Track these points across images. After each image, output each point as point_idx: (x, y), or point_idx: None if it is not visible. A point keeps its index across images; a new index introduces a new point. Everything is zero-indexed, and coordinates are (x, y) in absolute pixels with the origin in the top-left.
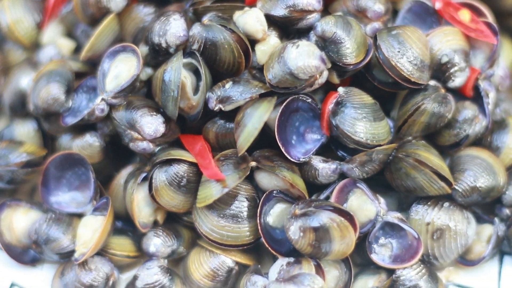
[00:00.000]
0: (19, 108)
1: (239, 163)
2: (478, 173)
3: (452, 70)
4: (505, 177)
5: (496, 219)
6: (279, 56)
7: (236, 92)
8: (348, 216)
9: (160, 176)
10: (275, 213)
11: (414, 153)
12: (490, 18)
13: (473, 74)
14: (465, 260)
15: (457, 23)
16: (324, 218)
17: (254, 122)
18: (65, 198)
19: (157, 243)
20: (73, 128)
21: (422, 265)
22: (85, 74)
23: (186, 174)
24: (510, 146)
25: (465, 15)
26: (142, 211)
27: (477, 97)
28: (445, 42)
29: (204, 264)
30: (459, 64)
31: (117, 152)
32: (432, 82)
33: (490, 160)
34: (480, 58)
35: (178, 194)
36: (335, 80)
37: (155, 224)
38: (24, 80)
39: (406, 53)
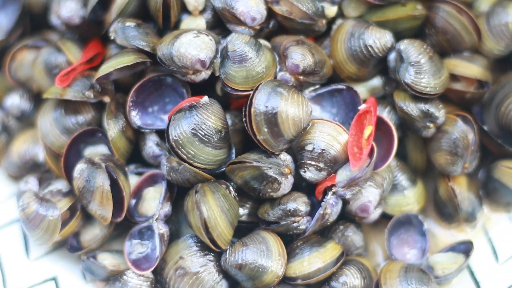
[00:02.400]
0: None
1: (91, 88)
2: (252, 258)
3: (308, 161)
4: (274, 279)
5: None
6: (179, 34)
7: (129, 34)
8: (121, 195)
9: (43, 55)
10: (94, 150)
11: (204, 194)
12: (394, 149)
13: (328, 182)
14: None
15: (357, 132)
16: (98, 178)
17: (113, 62)
18: None
19: (14, 101)
20: None
21: (150, 282)
22: None
23: (60, 66)
24: (303, 262)
25: (368, 131)
26: (22, 70)
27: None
28: (326, 135)
29: (24, 144)
30: (318, 162)
31: None
32: (283, 157)
33: (274, 256)
34: (345, 175)
35: (47, 78)
36: (218, 91)
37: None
38: None
39: (269, 114)
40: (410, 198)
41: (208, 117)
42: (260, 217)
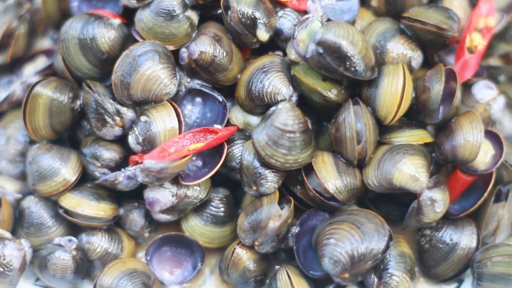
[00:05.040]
0: None
1: None
2: (43, 163)
3: (135, 128)
4: (47, 194)
5: None
6: None
7: None
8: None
9: None
10: None
11: (45, 85)
12: (207, 176)
13: (139, 157)
14: None
15: (191, 138)
16: (6, 16)
17: None
18: None
19: None
20: None
21: None
22: None
23: None
24: (73, 199)
25: (196, 146)
26: None
27: None
28: (162, 122)
29: None
30: (140, 136)
31: None
32: (126, 111)
33: (60, 176)
34: (150, 162)
35: None
36: None
37: None
38: None
39: (132, 65)
40: (206, 232)
41: (102, 36)
42: (82, 142)
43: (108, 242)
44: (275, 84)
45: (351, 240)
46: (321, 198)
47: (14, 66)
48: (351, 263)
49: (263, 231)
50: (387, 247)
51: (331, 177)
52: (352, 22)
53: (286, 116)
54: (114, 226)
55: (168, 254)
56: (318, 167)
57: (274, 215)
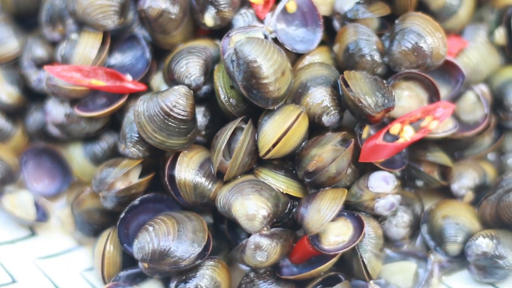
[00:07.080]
0: None
1: None
2: None
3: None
4: None
5: None
6: None
7: None
8: None
9: None
10: None
11: None
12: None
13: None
14: None
15: (100, 76)
16: None
17: None
18: None
19: None
20: None
21: None
22: None
23: None
24: None
25: (99, 83)
26: None
27: None
28: (83, 47)
29: None
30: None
31: None
32: (70, 28)
33: None
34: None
35: None
36: None
37: None
38: None
39: None
40: (83, 164)
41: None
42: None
43: (1, 123)
44: (189, 67)
45: (163, 237)
46: (169, 188)
47: None
48: (151, 257)
49: (107, 187)
50: (192, 262)
51: (186, 172)
52: (303, 54)
53: (174, 99)
54: (19, 118)
55: (48, 166)
56: (182, 159)
57: (125, 179)
